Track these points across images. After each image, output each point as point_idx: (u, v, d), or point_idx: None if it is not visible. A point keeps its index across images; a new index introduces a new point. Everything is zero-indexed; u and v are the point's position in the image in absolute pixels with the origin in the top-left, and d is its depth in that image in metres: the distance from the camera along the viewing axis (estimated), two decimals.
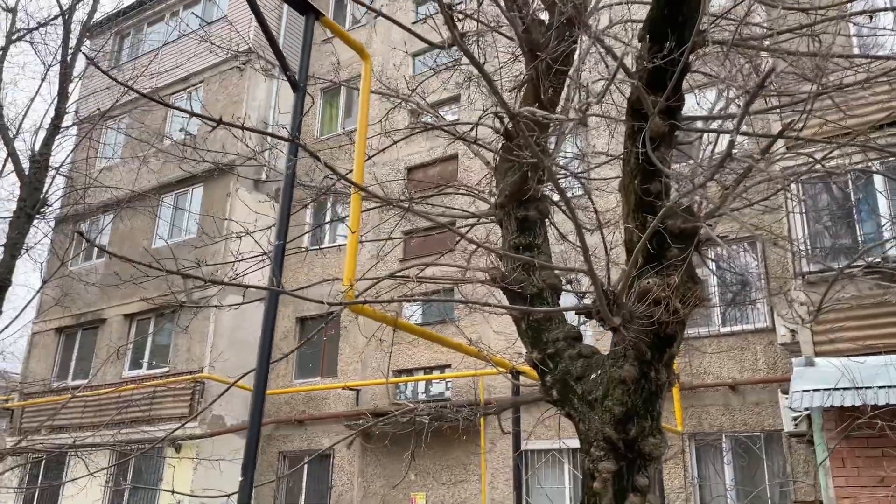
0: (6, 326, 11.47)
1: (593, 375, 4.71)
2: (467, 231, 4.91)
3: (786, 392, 8.67)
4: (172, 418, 15.44)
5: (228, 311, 16.33)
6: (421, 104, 6.44)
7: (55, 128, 12.24)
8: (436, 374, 14.46)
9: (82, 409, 17.01)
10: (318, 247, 17.52)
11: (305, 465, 15.58)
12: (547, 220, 5.53)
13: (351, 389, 15.20)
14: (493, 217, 5.68)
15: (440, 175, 16.08)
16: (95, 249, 18.97)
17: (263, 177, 17.71)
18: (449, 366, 14.31)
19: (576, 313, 4.56)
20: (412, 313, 15.38)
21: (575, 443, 8.32)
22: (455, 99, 15.39)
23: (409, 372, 14.86)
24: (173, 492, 6.24)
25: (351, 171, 5.70)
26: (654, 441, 4.39)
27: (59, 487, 16.74)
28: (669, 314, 4.12)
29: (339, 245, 17.16)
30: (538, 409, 13.06)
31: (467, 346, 6.77)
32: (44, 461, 17.10)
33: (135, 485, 15.66)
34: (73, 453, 12.88)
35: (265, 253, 6.18)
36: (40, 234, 13.82)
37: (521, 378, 7.95)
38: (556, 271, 5.37)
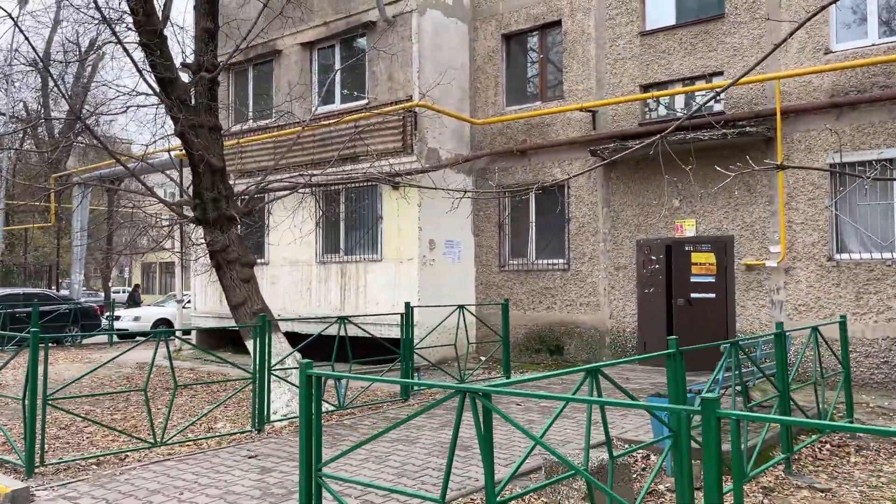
0: (237, 49, 9.60)
1: None
2: None
3: None
4: (383, 154, 14.00)
5: (429, 30, 14.04)
6: None
7: None
8: (700, 84, 12.09)
9: (272, 150, 15.79)
10: None
11: (533, 197, 14.18)
12: None
13: (586, 111, 13.14)
14: None
15: None
16: None
17: None
18: (720, 73, 11.87)
19: None
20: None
21: None
22: None
23: (663, 85, 12.55)
24: None
25: None
26: None
27: (263, 232, 16.16)
28: None
29: None
30: (855, 111, 10.75)
31: None
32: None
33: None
34: (304, 192, 11.69)
35: None
36: None
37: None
38: None
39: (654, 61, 12.54)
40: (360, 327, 9.25)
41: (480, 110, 14.79)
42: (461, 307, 10.69)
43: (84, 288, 41.01)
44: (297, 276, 15.57)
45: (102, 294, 32.61)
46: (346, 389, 9.20)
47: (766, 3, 11.34)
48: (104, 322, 20.39)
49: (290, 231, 14.15)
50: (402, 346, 9.61)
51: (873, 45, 10.47)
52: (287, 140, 14.85)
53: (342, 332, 8.99)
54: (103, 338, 20.41)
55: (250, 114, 15.79)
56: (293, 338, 12.51)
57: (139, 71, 8.69)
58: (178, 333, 15.92)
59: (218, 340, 17.30)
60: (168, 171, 12.95)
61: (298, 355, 9.24)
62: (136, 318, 21.35)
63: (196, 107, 9.37)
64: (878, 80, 10.35)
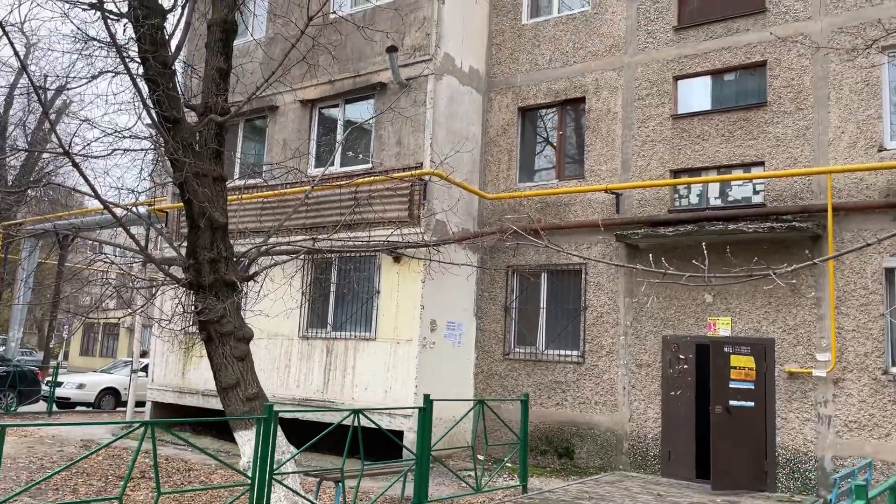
0: (257, 90, 8.45)
1: None
2: None
3: None
4: (382, 223, 12.80)
5: (444, 96, 13.17)
6: None
7: None
8: (736, 173, 11.35)
9: (259, 211, 14.49)
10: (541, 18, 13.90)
11: (545, 280, 13.11)
12: None
13: (611, 193, 12.27)
14: None
15: None
16: (251, 23, 15.56)
17: None
18: (761, 163, 11.16)
19: None
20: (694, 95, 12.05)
21: None
22: None
23: (696, 172, 11.78)
24: None
25: None
26: None
27: (241, 299, 14.59)
28: None
29: (569, 15, 13.53)
30: None
31: None
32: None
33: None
34: (304, 258, 10.37)
35: None
36: None
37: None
38: None
39: (687, 146, 11.81)
40: (370, 420, 7.78)
41: (491, 184, 13.83)
42: (481, 402, 9.34)
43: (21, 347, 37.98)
44: (276, 352, 13.99)
45: (41, 355, 29.91)
46: (344, 494, 7.68)
47: (814, 94, 10.78)
48: (44, 388, 18.21)
49: (283, 300, 12.66)
50: (419, 447, 8.15)
51: None
52: (292, 199, 13.60)
53: (353, 424, 7.53)
54: (42, 406, 18.21)
55: (237, 170, 14.52)
56: None
57: (144, 104, 7.42)
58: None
59: (173, 417, 15.41)
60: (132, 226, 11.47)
61: (296, 454, 7.72)
62: (81, 386, 19.20)
63: (201, 153, 8.10)
64: None
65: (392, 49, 12.83)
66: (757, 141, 11.19)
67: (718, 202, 11.58)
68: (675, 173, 11.94)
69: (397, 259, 12.60)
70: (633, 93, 12.50)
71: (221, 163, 8.36)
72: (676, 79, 12.15)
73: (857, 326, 10.03)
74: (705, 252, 4.92)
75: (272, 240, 10.29)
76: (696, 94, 12.01)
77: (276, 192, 13.41)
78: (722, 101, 11.75)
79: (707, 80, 11.91)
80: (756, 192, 11.26)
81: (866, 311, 10.00)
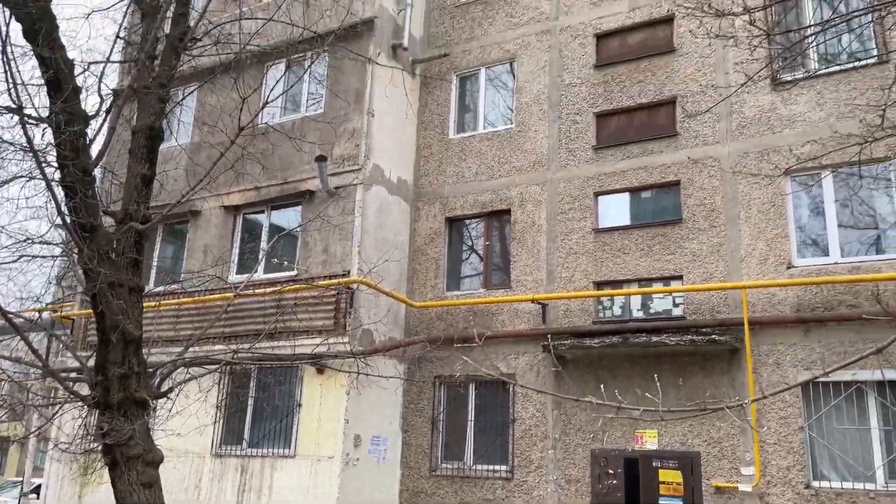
0: (182, 198, 8.23)
1: None
2: None
3: None
4: (306, 332, 12.42)
5: (373, 206, 13.22)
6: None
7: None
8: (657, 286, 11.68)
9: (175, 318, 13.85)
10: (466, 134, 14.35)
11: (472, 392, 12.89)
12: None
13: (538, 303, 12.37)
14: None
15: (644, 44, 12.94)
16: (177, 129, 15.41)
17: (405, 42, 14.30)
18: (680, 277, 11.54)
19: None
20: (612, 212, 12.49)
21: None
22: None
23: (618, 284, 12.04)
24: None
25: None
26: None
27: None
28: None
29: (494, 131, 14.03)
30: (824, 329, 10.43)
31: None
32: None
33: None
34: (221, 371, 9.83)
35: None
36: None
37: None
38: None
39: (609, 259, 12.13)
40: None
41: (418, 292, 13.74)
42: None
43: None
44: (185, 471, 13.01)
45: None
46: None
47: (725, 213, 11.36)
48: None
49: (196, 416, 11.87)
50: None
51: (836, 263, 10.49)
52: (212, 307, 13.05)
53: None
54: None
55: (153, 276, 13.99)
56: None
57: (60, 212, 7.05)
58: None
59: None
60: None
61: None
62: None
63: (117, 262, 7.69)
64: (846, 299, 10.23)
65: (321, 158, 12.90)
66: (675, 256, 11.62)
67: (640, 314, 11.83)
68: (599, 285, 12.19)
69: (321, 370, 12.16)
70: (556, 207, 12.88)
71: (139, 272, 7.96)
72: (597, 195, 12.62)
73: (779, 440, 10.19)
74: (658, 382, 4.85)
75: (190, 350, 9.76)
76: (616, 210, 12.47)
77: (195, 299, 12.88)
78: (640, 217, 12.23)
79: (625, 196, 12.42)
80: (676, 305, 11.57)
81: (786, 424, 10.20)
